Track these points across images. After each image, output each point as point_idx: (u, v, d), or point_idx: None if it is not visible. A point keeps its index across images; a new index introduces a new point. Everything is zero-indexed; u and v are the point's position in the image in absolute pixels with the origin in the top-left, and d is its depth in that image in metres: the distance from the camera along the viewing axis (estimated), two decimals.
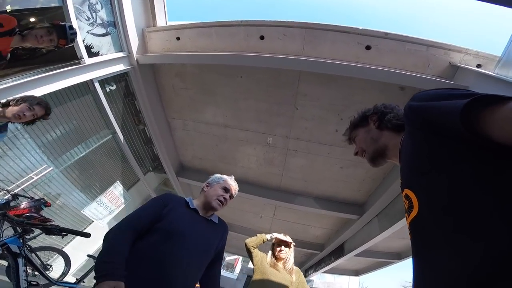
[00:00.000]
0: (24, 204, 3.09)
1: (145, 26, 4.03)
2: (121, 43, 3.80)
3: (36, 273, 2.71)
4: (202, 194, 1.73)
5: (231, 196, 1.74)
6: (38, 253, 3.47)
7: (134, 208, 6.16)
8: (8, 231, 2.70)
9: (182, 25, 3.90)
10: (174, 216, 1.47)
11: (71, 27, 2.15)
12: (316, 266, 8.94)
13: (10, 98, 2.01)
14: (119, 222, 1.40)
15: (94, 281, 1.14)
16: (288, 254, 2.65)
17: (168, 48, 4.00)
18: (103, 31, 3.53)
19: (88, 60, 3.33)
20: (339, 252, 7.09)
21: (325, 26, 3.21)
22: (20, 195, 3.16)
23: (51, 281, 2.85)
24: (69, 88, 3.32)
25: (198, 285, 1.63)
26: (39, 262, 3.29)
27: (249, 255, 2.71)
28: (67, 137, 3.96)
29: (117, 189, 5.07)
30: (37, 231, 2.79)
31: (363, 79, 3.29)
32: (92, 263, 3.50)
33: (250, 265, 13.13)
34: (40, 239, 3.76)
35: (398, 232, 4.98)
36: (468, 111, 0.53)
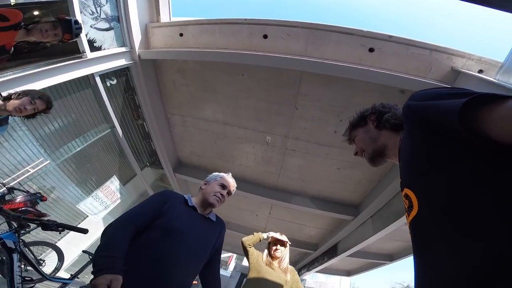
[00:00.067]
0: (19, 198, 3.03)
1: (149, 21, 4.01)
2: (123, 38, 3.78)
3: (29, 268, 2.67)
4: (200, 192, 1.73)
5: (229, 193, 1.75)
6: (31, 247, 3.43)
7: (130, 203, 6.15)
8: (2, 225, 2.67)
9: (186, 21, 3.88)
10: (173, 213, 1.48)
11: (76, 22, 2.13)
12: (309, 266, 8.99)
13: (12, 91, 2.00)
14: (118, 217, 1.39)
15: (92, 276, 1.13)
16: (283, 253, 2.68)
17: (170, 44, 3.98)
18: (106, 25, 3.51)
19: (90, 54, 3.31)
20: (332, 252, 7.14)
21: (330, 27, 3.21)
22: (16, 189, 3.11)
23: (45, 277, 2.83)
24: (69, 81, 3.29)
25: (195, 282, 1.64)
26: (32, 257, 3.26)
27: (245, 253, 2.72)
28: (65, 131, 3.91)
29: (114, 184, 5.03)
30: (32, 226, 2.75)
31: (364, 81, 3.30)
32: (87, 259, 3.48)
33: (244, 263, 13.18)
34: (33, 233, 3.71)
35: (391, 234, 5.04)
36: (467, 110, 0.53)
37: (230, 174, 1.85)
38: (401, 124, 0.88)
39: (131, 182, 5.87)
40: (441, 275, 0.56)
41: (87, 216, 4.78)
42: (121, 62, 3.82)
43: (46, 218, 2.78)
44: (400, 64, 3.10)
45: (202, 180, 1.83)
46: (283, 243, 2.69)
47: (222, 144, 5.23)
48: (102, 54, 3.50)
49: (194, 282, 1.63)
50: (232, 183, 1.79)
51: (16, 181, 3.40)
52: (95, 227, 4.74)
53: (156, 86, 4.59)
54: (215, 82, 4.20)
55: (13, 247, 2.11)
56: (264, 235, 2.79)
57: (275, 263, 2.61)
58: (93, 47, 3.37)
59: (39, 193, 3.28)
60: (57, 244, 4.03)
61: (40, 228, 1.97)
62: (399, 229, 4.79)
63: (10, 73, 2.55)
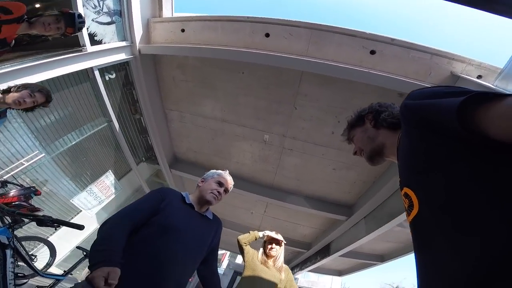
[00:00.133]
0: (13, 192, 2.96)
1: (151, 16, 3.98)
2: (125, 32, 3.75)
3: (20, 263, 2.62)
4: (197, 189, 1.73)
5: (226, 191, 1.75)
6: (22, 242, 3.37)
7: (124, 198, 6.10)
8: None
9: (188, 17, 3.87)
10: (171, 210, 1.48)
11: (80, 16, 2.10)
12: (302, 265, 9.04)
13: (12, 84, 1.98)
14: (115, 213, 1.38)
15: (85, 273, 1.10)
16: (278, 252, 2.69)
17: (172, 39, 3.95)
18: (108, 19, 3.48)
19: (90, 48, 3.28)
20: (325, 251, 7.19)
21: (332, 28, 3.22)
22: (10, 182, 3.04)
23: (39, 273, 2.79)
24: (67, 74, 3.25)
25: (190, 279, 1.64)
26: (25, 253, 3.22)
27: (241, 251, 2.73)
28: (61, 124, 3.86)
29: (109, 178, 4.98)
30: (26, 221, 2.71)
31: (364, 83, 3.31)
32: (79, 254, 3.43)
33: (237, 260, 13.21)
34: (25, 228, 3.65)
35: (384, 235, 5.11)
36: (465, 108, 0.53)
37: (228, 171, 1.85)
38: (399, 123, 0.88)
39: (126, 177, 5.82)
40: (443, 274, 0.56)
41: (81, 211, 4.73)
42: (121, 56, 3.79)
43: (40, 213, 2.73)
44: (400, 67, 3.13)
45: (198, 177, 1.83)
46: (278, 242, 2.71)
47: (220, 141, 5.22)
48: (102, 48, 3.47)
49: (190, 279, 1.63)
50: (229, 180, 1.79)
51: (9, 174, 3.34)
52: (89, 222, 4.70)
53: (155, 81, 4.55)
54: (214, 78, 4.18)
55: (7, 243, 2.07)
56: (260, 234, 2.80)
57: (270, 261, 2.63)
58: (94, 40, 3.34)
59: (33, 187, 3.21)
60: (49, 239, 3.98)
61: (33, 223, 1.93)
62: (392, 231, 4.85)
63: (8, 65, 2.52)
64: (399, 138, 0.85)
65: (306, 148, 4.63)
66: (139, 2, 3.70)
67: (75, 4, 2.90)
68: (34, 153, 3.58)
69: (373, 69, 3.19)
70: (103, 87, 3.89)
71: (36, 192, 3.21)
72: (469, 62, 2.87)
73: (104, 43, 3.50)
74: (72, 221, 4.44)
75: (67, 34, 2.07)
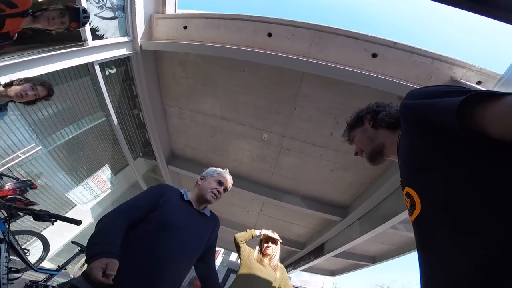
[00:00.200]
0: (8, 185, 2.91)
1: (154, 12, 3.95)
2: (127, 27, 3.73)
3: (12, 257, 2.60)
4: (196, 187, 1.73)
5: (225, 190, 1.75)
6: (16, 236, 3.34)
7: (120, 193, 6.07)
8: None
9: (191, 14, 3.84)
10: (169, 207, 1.47)
11: (84, 11, 2.08)
12: (295, 264, 9.09)
13: (14, 78, 1.98)
14: (113, 209, 1.38)
15: (78, 268, 1.08)
16: (274, 250, 2.71)
17: (174, 36, 3.93)
18: (111, 14, 3.46)
19: (91, 43, 3.26)
20: (319, 251, 7.24)
21: (335, 30, 3.22)
22: (5, 175, 3.01)
23: (33, 268, 2.77)
24: (67, 68, 3.23)
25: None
26: (19, 247, 3.18)
27: (237, 249, 2.75)
28: (59, 117, 3.83)
29: (105, 173, 4.95)
30: (21, 214, 2.67)
31: (364, 86, 3.32)
32: (71, 249, 3.41)
33: (231, 258, 13.22)
34: (18, 221, 3.61)
35: (377, 237, 5.16)
36: (464, 108, 0.53)
37: (228, 170, 1.84)
38: (398, 122, 0.88)
39: (122, 172, 5.79)
40: (445, 273, 0.56)
41: (76, 205, 4.70)
42: (122, 51, 3.77)
43: (36, 207, 2.71)
44: (401, 71, 3.14)
45: (195, 173, 1.82)
46: (274, 241, 2.73)
47: (218, 138, 5.21)
48: (104, 43, 3.45)
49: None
50: (229, 179, 1.79)
51: (5, 167, 3.30)
52: (83, 217, 4.66)
53: (155, 77, 4.53)
54: (215, 76, 4.17)
55: (2, 237, 2.06)
56: (257, 232, 2.82)
57: (266, 260, 2.65)
58: (96, 35, 3.32)
59: (29, 180, 3.18)
60: (42, 233, 3.95)
61: (26, 216, 1.90)
62: (385, 232, 4.90)
63: (8, 58, 2.50)
64: (399, 137, 0.85)
65: (304, 149, 4.65)
66: None
67: None
68: (31, 145, 3.54)
69: (374, 72, 3.20)
70: (103, 82, 3.86)
71: (32, 186, 3.16)
72: (470, 68, 2.88)
73: (106, 38, 3.47)
74: (66, 215, 4.40)
75: (71, 29, 2.05)
